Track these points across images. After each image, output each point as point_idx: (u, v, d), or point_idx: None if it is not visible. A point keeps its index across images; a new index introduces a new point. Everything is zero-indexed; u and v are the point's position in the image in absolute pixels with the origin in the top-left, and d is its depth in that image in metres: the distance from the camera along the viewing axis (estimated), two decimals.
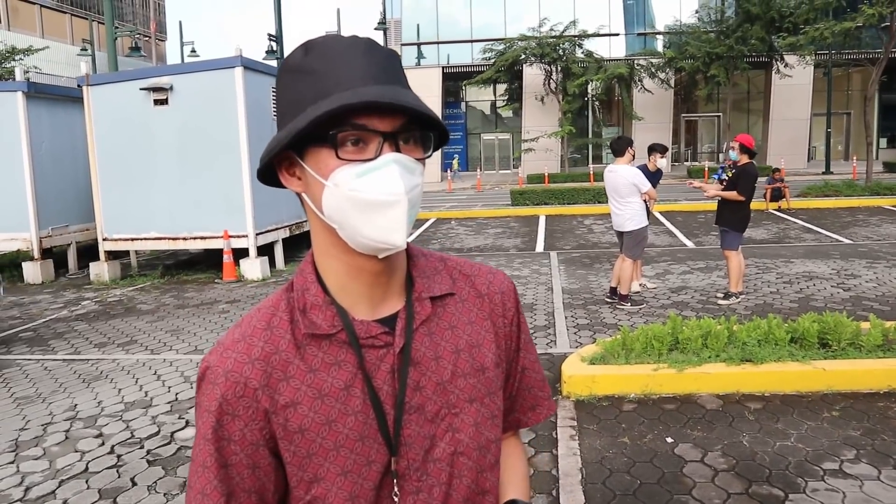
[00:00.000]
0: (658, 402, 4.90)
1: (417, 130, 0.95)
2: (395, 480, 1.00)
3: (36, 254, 11.30)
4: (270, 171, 1.01)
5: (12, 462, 4.47)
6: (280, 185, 1.04)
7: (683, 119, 38.66)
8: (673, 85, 33.48)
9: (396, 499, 1.01)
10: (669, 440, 4.31)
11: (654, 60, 32.04)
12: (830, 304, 7.55)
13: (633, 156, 7.72)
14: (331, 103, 0.89)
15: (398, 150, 0.93)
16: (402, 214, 0.92)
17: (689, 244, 12.38)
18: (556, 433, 4.46)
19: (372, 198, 0.91)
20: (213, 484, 0.96)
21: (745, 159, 7.58)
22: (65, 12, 75.86)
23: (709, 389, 5.03)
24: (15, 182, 11.09)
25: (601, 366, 5.21)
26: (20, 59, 29.66)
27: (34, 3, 72.44)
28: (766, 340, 5.40)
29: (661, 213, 16.36)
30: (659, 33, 36.06)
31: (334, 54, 0.94)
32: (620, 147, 7.64)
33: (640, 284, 8.64)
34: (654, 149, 8.33)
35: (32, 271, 11.34)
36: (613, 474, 3.93)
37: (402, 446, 1.00)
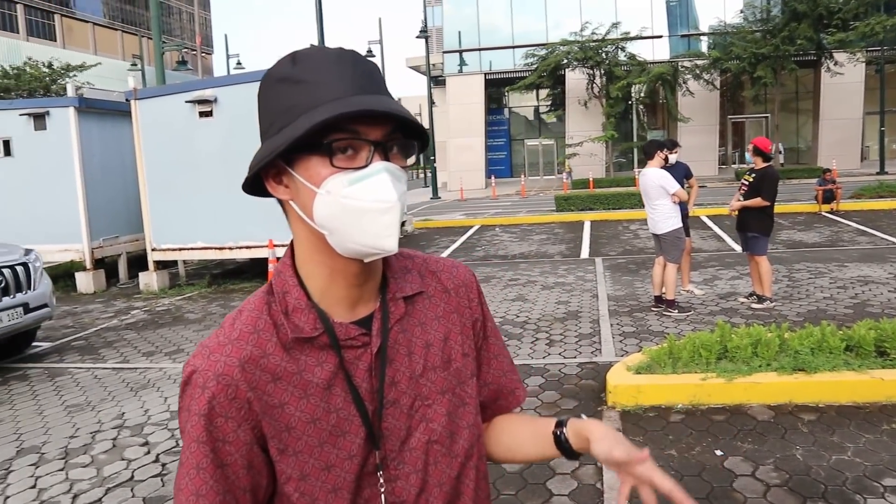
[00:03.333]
0: (706, 412, 4.77)
1: (402, 139, 1.00)
2: (380, 472, 1.06)
3: (88, 264, 11.58)
4: (255, 181, 1.05)
5: (62, 469, 4.55)
6: (264, 194, 1.07)
7: (730, 121, 37.93)
8: (718, 86, 32.87)
9: (383, 489, 1.06)
10: (718, 453, 4.18)
11: (698, 62, 31.52)
12: (888, 309, 7.28)
13: (666, 159, 7.70)
14: (326, 112, 0.92)
15: (387, 158, 0.97)
16: (395, 221, 0.96)
17: (738, 249, 12.07)
18: None
19: (366, 205, 0.95)
20: (208, 484, 0.98)
21: (760, 163, 7.54)
22: (116, 29, 78.12)
23: (760, 400, 4.87)
24: (68, 195, 11.37)
25: (647, 375, 5.09)
26: (74, 75, 30.58)
27: (87, 22, 74.85)
28: (820, 349, 5.21)
29: (708, 216, 16.04)
30: (703, 34, 35.42)
31: (323, 66, 0.97)
32: (650, 150, 7.69)
33: (688, 290, 8.47)
34: (664, 145, 8.19)
35: (85, 281, 11.62)
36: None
37: (382, 438, 1.06)
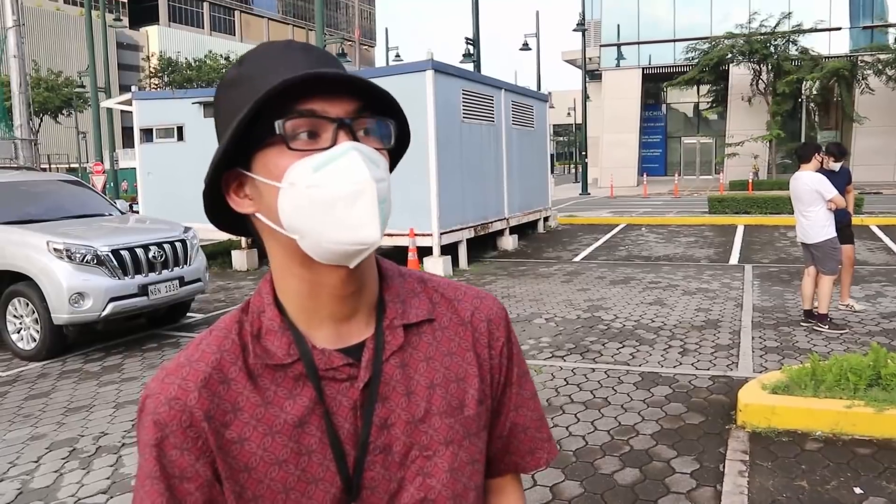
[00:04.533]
0: (849, 444, 4.34)
1: (373, 119, 0.86)
2: None
3: (243, 243, 12.39)
4: (219, 205, 0.91)
5: None
6: (230, 227, 0.95)
7: None
8: None
9: None
10: (858, 491, 3.78)
11: (882, 56, 28.82)
12: None
13: (822, 163, 7.13)
14: (265, 89, 0.79)
15: (355, 138, 0.83)
16: (372, 204, 0.81)
17: None
18: (724, 466, 4.09)
19: (335, 191, 0.80)
20: None
21: None
22: (287, 23, 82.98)
23: None
24: None
25: (784, 396, 4.71)
26: None
27: (263, 17, 80.00)
28: None
29: (879, 226, 14.67)
30: (891, 25, 32.35)
31: (269, 58, 0.86)
32: (807, 153, 7.06)
33: (847, 305, 7.77)
34: (829, 150, 7.48)
35: (239, 259, 12.49)
36: None
37: (364, 490, 0.90)
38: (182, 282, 7.63)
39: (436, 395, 0.93)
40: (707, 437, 4.51)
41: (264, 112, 0.80)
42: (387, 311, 0.94)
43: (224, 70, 33.12)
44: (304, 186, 0.81)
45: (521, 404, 1.04)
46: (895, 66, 28.42)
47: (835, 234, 6.90)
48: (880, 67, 28.47)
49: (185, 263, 7.75)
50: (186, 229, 8.04)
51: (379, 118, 0.87)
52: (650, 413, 4.95)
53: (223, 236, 12.79)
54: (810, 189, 6.83)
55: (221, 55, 34.70)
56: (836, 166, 7.46)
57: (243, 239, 12.16)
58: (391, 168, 0.91)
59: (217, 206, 0.92)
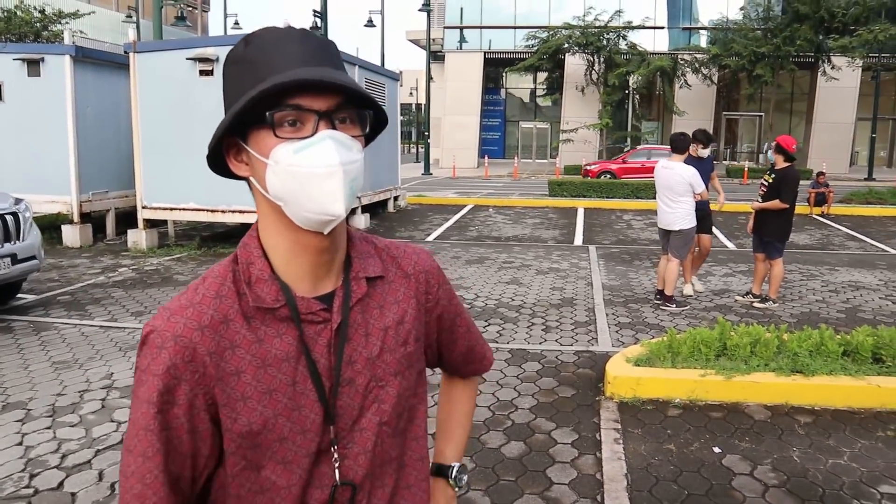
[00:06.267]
0: (704, 409, 4.76)
1: (353, 110, 1.03)
2: (334, 447, 1.08)
3: (76, 217, 11.38)
4: (222, 162, 1.08)
5: (49, 427, 4.46)
6: (230, 175, 1.10)
7: (724, 117, 37.96)
8: (716, 81, 32.88)
9: (337, 465, 1.08)
10: (717, 450, 4.17)
11: (698, 55, 31.47)
12: (879, 316, 7.32)
13: (695, 153, 7.58)
14: (264, 85, 0.96)
15: (334, 128, 1.00)
16: (339, 185, 0.98)
17: (731, 245, 12.13)
18: (601, 435, 4.34)
19: (309, 171, 0.97)
20: (155, 447, 0.99)
21: (781, 162, 7.31)
22: None
23: (757, 399, 4.87)
24: (59, 145, 11.12)
25: (647, 368, 5.07)
26: (66, 22, 29.91)
27: None
28: (818, 352, 5.22)
29: None
30: (704, 28, 35.36)
31: (270, 44, 1.01)
32: (683, 145, 7.37)
33: (692, 286, 8.35)
34: (696, 137, 7.96)
35: (71, 235, 11.43)
36: (660, 482, 3.80)
37: (336, 417, 1.08)
38: (14, 259, 6.91)
39: (387, 336, 1.13)
40: (581, 409, 4.77)
41: (259, 101, 0.96)
42: (353, 266, 1.13)
43: (38, 24, 30.09)
44: (285, 164, 0.99)
45: (468, 328, 1.36)
46: (709, 65, 31.16)
47: (696, 224, 7.40)
48: (697, 66, 31.06)
49: (18, 239, 7.02)
50: (18, 201, 7.28)
51: (356, 109, 1.04)
52: (525, 388, 5.14)
53: (51, 209, 11.70)
54: (684, 181, 7.16)
55: (35, 7, 31.36)
56: (705, 153, 7.94)
57: (75, 213, 11.26)
58: (371, 140, 1.12)
59: (218, 165, 1.09)
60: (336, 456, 1.08)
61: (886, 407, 4.79)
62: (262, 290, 1.04)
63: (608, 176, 23.68)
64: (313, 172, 0.97)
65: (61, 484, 3.76)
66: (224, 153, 1.06)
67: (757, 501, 3.62)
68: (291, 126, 0.98)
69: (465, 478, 1.44)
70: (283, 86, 0.95)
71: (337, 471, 1.08)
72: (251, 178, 1.06)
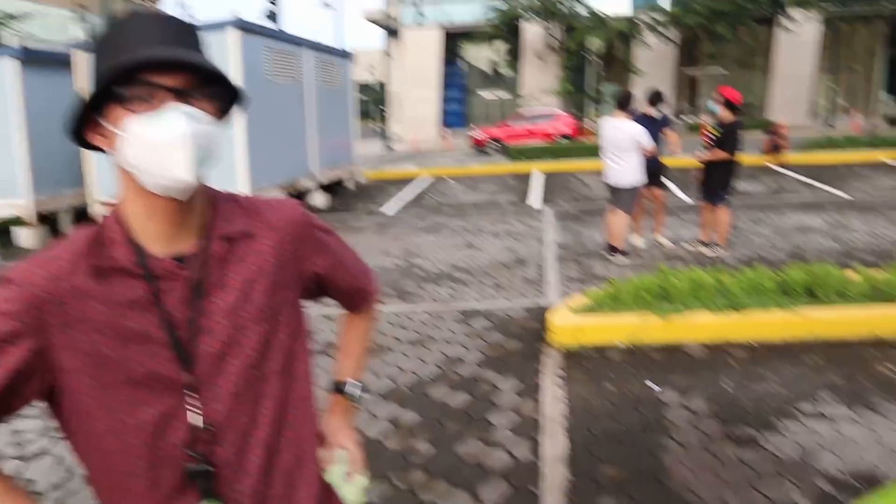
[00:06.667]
0: (645, 350, 4.95)
1: (207, 88, 1.12)
2: (187, 392, 1.15)
3: (32, 220, 11.26)
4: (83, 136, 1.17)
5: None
6: (93, 147, 1.18)
7: (685, 74, 38.15)
8: (676, 41, 33.01)
9: (190, 408, 1.16)
10: (657, 389, 4.35)
11: (657, 17, 31.56)
12: (822, 256, 7.56)
13: (634, 112, 7.70)
14: (116, 62, 1.05)
15: (188, 104, 1.09)
16: (187, 154, 1.07)
17: (685, 198, 12.33)
18: (541, 380, 4.51)
19: (157, 140, 1.06)
20: None
21: (729, 116, 7.46)
22: None
23: (696, 338, 5.07)
24: (9, 149, 11.02)
25: (588, 315, 5.24)
26: (11, 24, 29.19)
27: None
28: (756, 291, 5.42)
29: None
30: None
31: (129, 28, 1.11)
32: (626, 102, 7.49)
33: (656, 241, 8.50)
34: (650, 99, 8.17)
35: (28, 237, 11.31)
36: (598, 419, 3.98)
37: (199, 362, 1.17)
38: None
39: (250, 288, 1.22)
40: (526, 360, 4.93)
41: (117, 77, 1.05)
42: (215, 226, 1.22)
43: None
44: (135, 135, 1.07)
45: (347, 269, 1.45)
46: (668, 26, 31.26)
47: (643, 181, 7.56)
48: (656, 27, 31.16)
49: None
50: None
51: (208, 86, 1.12)
52: (473, 344, 5.29)
53: (5, 213, 11.53)
54: (630, 137, 7.28)
55: None
56: (655, 113, 8.11)
57: (32, 216, 11.10)
58: (225, 116, 1.21)
59: (79, 139, 1.18)
60: (195, 399, 1.16)
61: (817, 337, 5.01)
62: (117, 251, 1.14)
63: (498, 144, 23.99)
64: (160, 141, 1.06)
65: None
66: (85, 129, 1.15)
67: (688, 428, 3.82)
68: (144, 102, 1.07)
69: (359, 392, 1.57)
70: (131, 63, 1.04)
71: (198, 412, 1.16)
72: (108, 151, 1.14)
